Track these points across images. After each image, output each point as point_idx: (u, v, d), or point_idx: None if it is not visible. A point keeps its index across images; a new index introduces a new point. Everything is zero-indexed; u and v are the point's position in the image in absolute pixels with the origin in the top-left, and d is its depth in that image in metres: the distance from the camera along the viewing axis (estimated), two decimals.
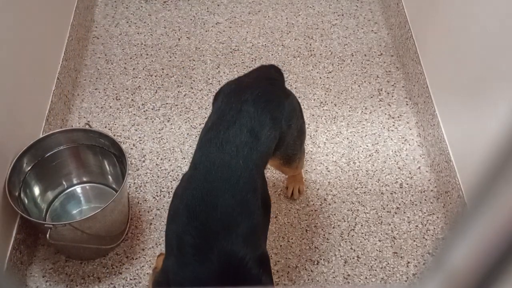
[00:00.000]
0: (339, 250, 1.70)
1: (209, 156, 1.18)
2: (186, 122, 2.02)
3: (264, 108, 1.25)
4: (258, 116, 1.23)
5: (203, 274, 1.08)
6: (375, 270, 1.66)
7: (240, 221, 1.11)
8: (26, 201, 1.59)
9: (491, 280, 0.23)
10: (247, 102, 1.25)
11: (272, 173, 1.88)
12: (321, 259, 1.68)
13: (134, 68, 2.21)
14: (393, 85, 2.18)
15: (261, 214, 1.18)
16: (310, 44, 2.33)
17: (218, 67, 2.23)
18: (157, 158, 1.91)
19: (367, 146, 1.97)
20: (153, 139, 1.97)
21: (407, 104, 2.11)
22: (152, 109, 2.07)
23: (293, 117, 1.35)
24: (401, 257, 1.69)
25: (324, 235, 1.73)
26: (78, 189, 1.77)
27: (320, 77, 2.19)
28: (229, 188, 1.13)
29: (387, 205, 1.81)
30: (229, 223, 1.10)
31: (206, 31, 2.38)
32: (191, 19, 2.44)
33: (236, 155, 1.16)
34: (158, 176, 1.86)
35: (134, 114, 2.05)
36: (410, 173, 1.90)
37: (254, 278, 1.09)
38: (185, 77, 2.19)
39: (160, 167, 1.88)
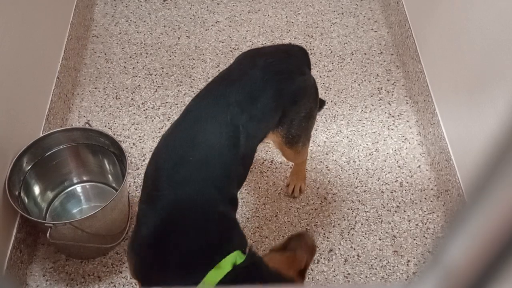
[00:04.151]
0: (339, 248, 1.70)
1: (201, 106, 1.22)
2: None
3: (271, 77, 1.26)
4: (261, 82, 1.25)
5: (174, 208, 1.10)
6: (375, 268, 1.66)
7: (213, 169, 1.14)
8: (26, 200, 1.59)
9: (488, 276, 0.23)
10: (256, 67, 1.27)
11: (272, 172, 1.88)
12: (321, 257, 1.68)
13: (133, 67, 2.21)
14: (393, 84, 2.18)
15: (237, 166, 1.20)
16: (310, 43, 2.33)
17: (218, 66, 2.23)
18: None
19: (367, 144, 1.97)
20: (153, 138, 1.97)
21: (407, 103, 2.11)
22: (152, 108, 2.07)
23: (301, 95, 1.35)
24: (401, 255, 1.69)
25: (324, 234, 1.73)
26: (78, 188, 1.77)
27: (320, 76, 2.19)
28: (210, 140, 1.16)
29: (387, 203, 1.81)
30: (204, 170, 1.13)
31: (206, 30, 2.38)
32: (190, 18, 2.43)
33: (225, 112, 1.19)
34: None
35: (134, 113, 2.05)
36: (410, 172, 1.90)
37: (221, 214, 1.12)
38: (185, 76, 2.19)
39: None
